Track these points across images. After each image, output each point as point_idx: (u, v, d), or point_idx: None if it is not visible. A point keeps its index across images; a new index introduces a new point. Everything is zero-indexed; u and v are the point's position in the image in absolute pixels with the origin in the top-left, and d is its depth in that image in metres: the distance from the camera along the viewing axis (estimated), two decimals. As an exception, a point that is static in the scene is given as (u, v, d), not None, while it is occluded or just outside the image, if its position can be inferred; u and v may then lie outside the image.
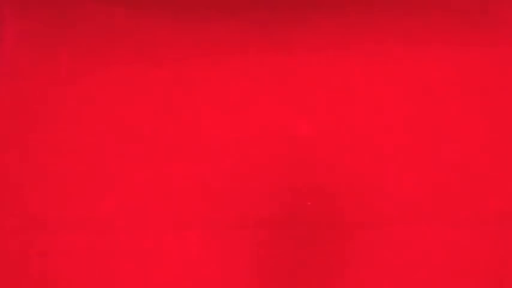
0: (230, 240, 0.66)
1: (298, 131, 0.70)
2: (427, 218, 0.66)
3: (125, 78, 0.72)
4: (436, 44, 0.73)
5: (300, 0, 0.72)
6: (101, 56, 0.73)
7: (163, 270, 0.65)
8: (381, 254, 0.66)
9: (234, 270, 0.65)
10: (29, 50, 0.74)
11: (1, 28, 0.75)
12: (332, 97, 0.71)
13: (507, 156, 0.70)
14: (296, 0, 0.72)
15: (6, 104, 0.72)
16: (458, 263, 0.66)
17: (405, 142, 0.70)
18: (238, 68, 0.73)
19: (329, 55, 0.73)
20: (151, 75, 0.72)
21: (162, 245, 0.66)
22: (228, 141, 0.70)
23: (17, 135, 0.70)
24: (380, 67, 0.72)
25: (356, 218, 0.66)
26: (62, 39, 0.74)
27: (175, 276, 0.65)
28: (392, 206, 0.67)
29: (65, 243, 0.66)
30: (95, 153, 0.69)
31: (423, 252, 0.66)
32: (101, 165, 0.68)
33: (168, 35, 0.73)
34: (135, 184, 0.68)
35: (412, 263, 0.65)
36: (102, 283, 0.65)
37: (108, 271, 0.65)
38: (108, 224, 0.66)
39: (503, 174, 0.69)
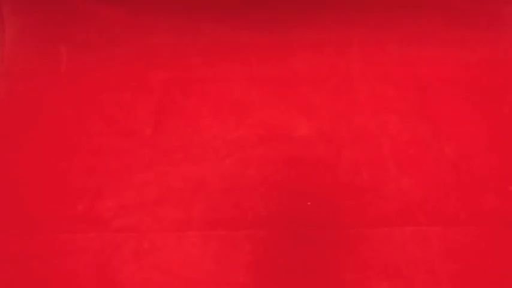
0: (229, 240, 0.66)
1: (298, 131, 0.70)
2: (426, 218, 0.67)
3: (125, 78, 0.72)
4: (435, 44, 0.74)
5: (300, 1, 0.73)
6: (101, 56, 0.73)
7: (163, 270, 0.65)
8: (381, 254, 0.66)
9: (233, 269, 0.65)
10: (29, 49, 0.74)
11: (1, 28, 0.75)
12: (332, 97, 0.71)
13: (507, 156, 0.70)
14: (296, 1, 0.73)
15: (6, 104, 0.72)
16: (458, 263, 0.66)
17: (405, 142, 0.70)
18: (237, 68, 0.73)
19: (329, 55, 0.73)
20: (151, 75, 0.72)
21: (162, 245, 0.66)
22: (228, 141, 0.70)
23: (17, 135, 0.70)
24: (380, 67, 0.73)
25: (355, 218, 0.66)
26: (62, 39, 0.74)
27: (175, 276, 0.65)
28: (391, 206, 0.67)
29: (65, 243, 0.66)
30: (95, 153, 0.69)
31: (423, 252, 0.66)
32: (100, 165, 0.69)
33: (168, 35, 0.73)
34: (135, 184, 0.68)
35: (412, 263, 0.65)
36: (102, 282, 0.65)
37: (108, 271, 0.65)
38: (108, 224, 0.66)
39: (502, 174, 0.69)
